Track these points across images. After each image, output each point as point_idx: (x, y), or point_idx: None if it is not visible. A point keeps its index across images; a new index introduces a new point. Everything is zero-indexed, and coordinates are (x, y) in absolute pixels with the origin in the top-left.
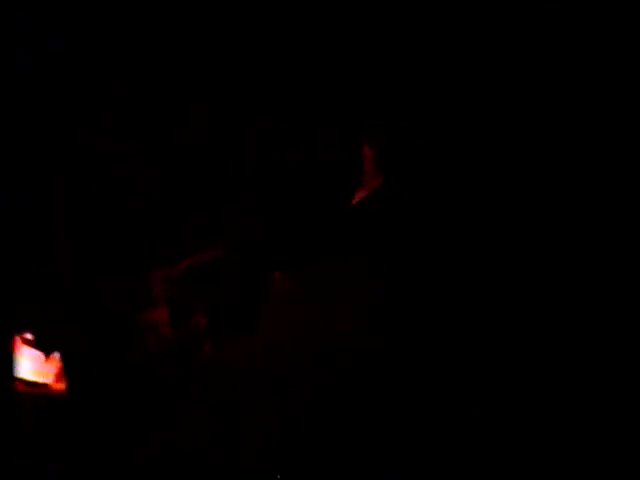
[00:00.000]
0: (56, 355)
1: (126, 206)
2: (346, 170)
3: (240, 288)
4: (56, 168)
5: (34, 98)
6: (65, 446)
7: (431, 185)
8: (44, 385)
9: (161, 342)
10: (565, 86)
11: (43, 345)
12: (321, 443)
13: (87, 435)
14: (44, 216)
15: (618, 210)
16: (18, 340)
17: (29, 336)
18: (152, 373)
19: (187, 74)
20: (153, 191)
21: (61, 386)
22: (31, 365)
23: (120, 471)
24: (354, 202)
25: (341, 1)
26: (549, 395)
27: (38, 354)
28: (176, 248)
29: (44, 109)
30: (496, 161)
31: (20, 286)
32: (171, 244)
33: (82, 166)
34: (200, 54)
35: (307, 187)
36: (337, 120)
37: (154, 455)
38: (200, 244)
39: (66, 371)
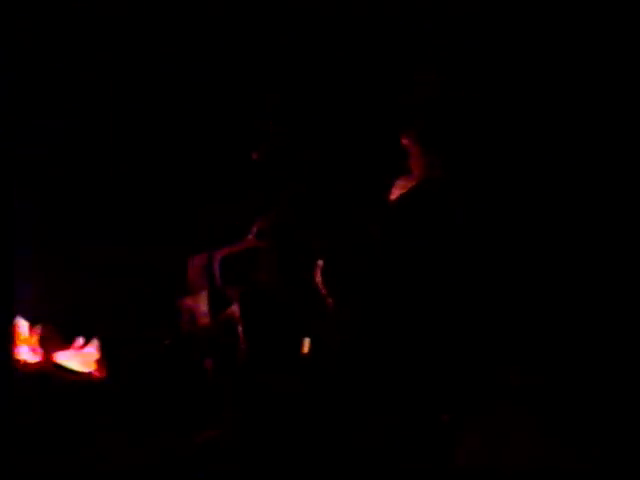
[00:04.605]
0: (95, 342)
1: (164, 197)
2: (385, 159)
3: (276, 276)
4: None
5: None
6: (105, 430)
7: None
8: (85, 373)
9: (199, 329)
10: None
11: (82, 333)
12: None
13: (127, 420)
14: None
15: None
16: (56, 329)
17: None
18: (190, 360)
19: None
20: (188, 183)
21: (101, 373)
22: (71, 353)
23: (156, 455)
24: (397, 193)
25: None
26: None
27: (78, 342)
28: (212, 237)
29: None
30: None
31: (57, 276)
32: (208, 234)
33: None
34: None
35: (343, 176)
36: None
37: (188, 441)
38: (235, 233)
39: (106, 358)
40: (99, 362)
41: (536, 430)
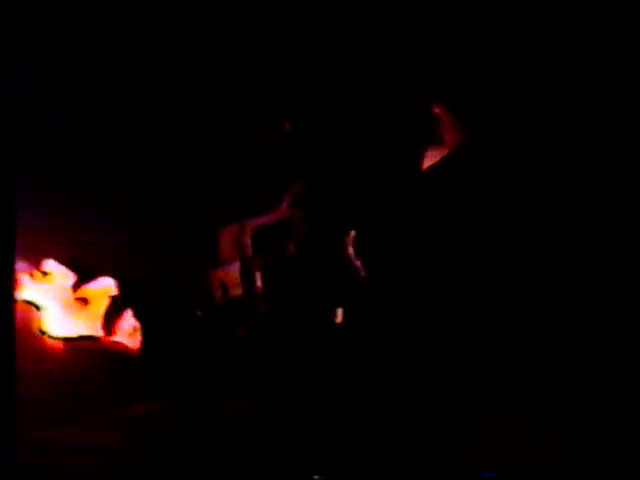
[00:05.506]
0: (129, 312)
1: (196, 168)
2: (416, 129)
3: (306, 249)
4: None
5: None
6: (138, 400)
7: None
8: (117, 342)
9: (231, 300)
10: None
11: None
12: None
13: (161, 390)
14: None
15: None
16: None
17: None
18: (221, 330)
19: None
20: (221, 155)
21: (135, 343)
22: (104, 323)
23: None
24: (429, 163)
25: None
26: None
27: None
28: (244, 208)
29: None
30: None
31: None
32: (239, 204)
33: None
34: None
35: (375, 148)
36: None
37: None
38: (268, 204)
39: (141, 328)
40: (134, 332)
41: (551, 432)
